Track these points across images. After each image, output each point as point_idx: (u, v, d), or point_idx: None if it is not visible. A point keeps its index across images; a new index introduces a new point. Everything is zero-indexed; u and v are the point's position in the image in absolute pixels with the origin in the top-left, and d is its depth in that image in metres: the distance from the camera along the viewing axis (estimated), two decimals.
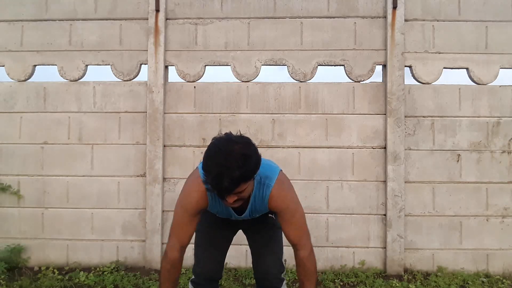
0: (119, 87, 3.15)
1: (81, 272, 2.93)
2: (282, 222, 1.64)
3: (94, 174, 3.13)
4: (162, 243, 3.04)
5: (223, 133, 1.43)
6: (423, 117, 3.06)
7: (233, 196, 1.38)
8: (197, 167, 1.64)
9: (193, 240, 1.88)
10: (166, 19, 3.12)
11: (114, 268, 3.03)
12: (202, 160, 1.38)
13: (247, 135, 1.45)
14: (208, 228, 1.87)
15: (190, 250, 1.92)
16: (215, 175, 1.30)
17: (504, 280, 2.88)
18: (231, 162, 1.29)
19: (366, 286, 2.79)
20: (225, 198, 1.39)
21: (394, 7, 3.01)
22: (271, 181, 1.57)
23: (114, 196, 3.13)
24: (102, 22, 3.16)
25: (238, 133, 1.43)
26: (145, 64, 3.14)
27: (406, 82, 3.04)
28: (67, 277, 2.90)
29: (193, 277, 1.87)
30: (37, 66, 3.20)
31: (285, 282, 1.87)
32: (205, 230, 1.87)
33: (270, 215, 1.88)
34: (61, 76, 3.16)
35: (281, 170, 1.68)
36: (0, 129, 3.15)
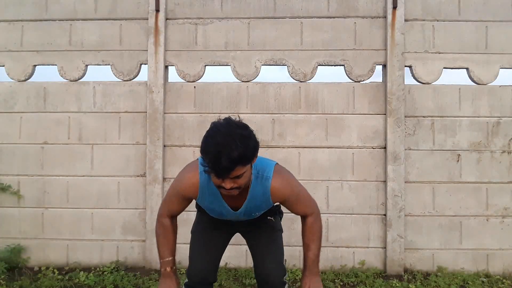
0: (119, 87, 3.15)
1: (81, 272, 2.93)
2: (289, 207, 1.69)
3: (94, 174, 3.13)
4: None
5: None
6: (423, 117, 3.06)
7: (230, 182, 1.40)
8: (197, 158, 1.67)
9: (189, 239, 1.88)
10: (166, 19, 3.12)
11: (114, 268, 3.03)
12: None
13: None
14: (203, 230, 1.86)
15: (187, 251, 1.92)
16: (213, 155, 1.32)
17: (504, 280, 2.88)
18: (230, 142, 1.32)
19: (366, 286, 2.79)
20: (223, 181, 1.39)
21: (394, 7, 3.01)
22: (269, 172, 1.60)
23: (114, 196, 3.13)
24: (102, 22, 3.16)
25: (237, 119, 1.48)
26: (145, 64, 3.14)
27: (406, 82, 3.04)
28: (67, 277, 2.90)
29: (186, 280, 1.83)
30: (37, 66, 3.19)
31: (287, 285, 1.84)
32: (200, 232, 1.86)
33: (269, 217, 1.85)
34: (61, 76, 3.16)
35: (277, 163, 1.70)
36: (0, 129, 3.15)
